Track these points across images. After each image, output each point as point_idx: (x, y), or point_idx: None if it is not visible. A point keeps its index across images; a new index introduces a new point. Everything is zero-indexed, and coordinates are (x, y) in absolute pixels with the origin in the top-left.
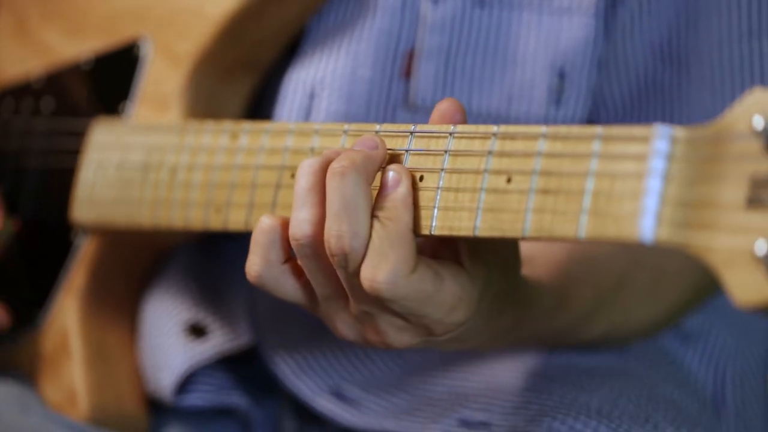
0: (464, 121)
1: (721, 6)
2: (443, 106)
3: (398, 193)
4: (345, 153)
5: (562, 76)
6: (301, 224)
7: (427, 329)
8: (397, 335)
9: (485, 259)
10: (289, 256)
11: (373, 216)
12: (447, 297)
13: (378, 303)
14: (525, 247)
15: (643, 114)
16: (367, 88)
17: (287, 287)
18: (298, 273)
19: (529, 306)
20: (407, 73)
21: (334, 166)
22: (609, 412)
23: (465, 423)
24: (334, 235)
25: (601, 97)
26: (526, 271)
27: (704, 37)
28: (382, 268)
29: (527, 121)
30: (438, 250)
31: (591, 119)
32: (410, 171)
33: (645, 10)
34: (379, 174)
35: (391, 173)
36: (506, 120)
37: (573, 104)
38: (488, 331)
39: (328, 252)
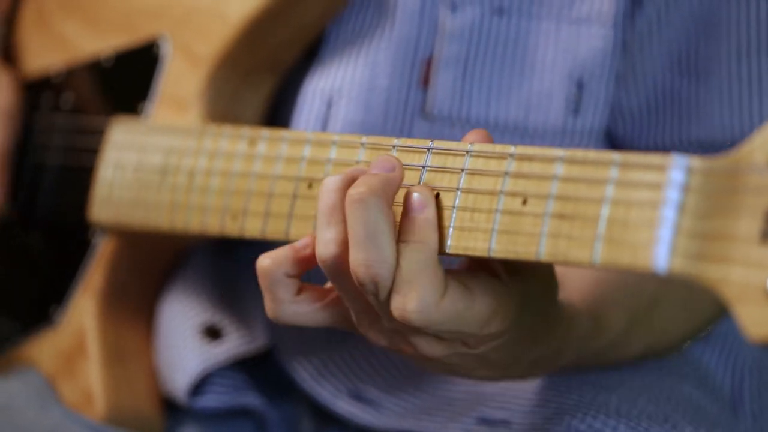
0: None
1: (740, 18)
2: (470, 138)
3: (424, 216)
4: (362, 178)
5: (580, 86)
6: (327, 245)
7: (460, 342)
8: (430, 347)
9: (522, 272)
10: (302, 287)
11: (399, 241)
12: (481, 312)
13: (410, 328)
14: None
15: (660, 125)
16: (384, 97)
17: (308, 315)
18: (315, 297)
19: (569, 333)
20: (425, 82)
21: (352, 192)
22: (628, 411)
23: (484, 421)
24: (362, 264)
25: (619, 107)
26: (561, 296)
27: (723, 48)
28: (412, 296)
29: (545, 131)
30: (471, 261)
31: (608, 129)
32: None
33: (663, 21)
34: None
35: (416, 195)
36: (524, 130)
37: (591, 114)
38: (526, 357)
39: (356, 281)
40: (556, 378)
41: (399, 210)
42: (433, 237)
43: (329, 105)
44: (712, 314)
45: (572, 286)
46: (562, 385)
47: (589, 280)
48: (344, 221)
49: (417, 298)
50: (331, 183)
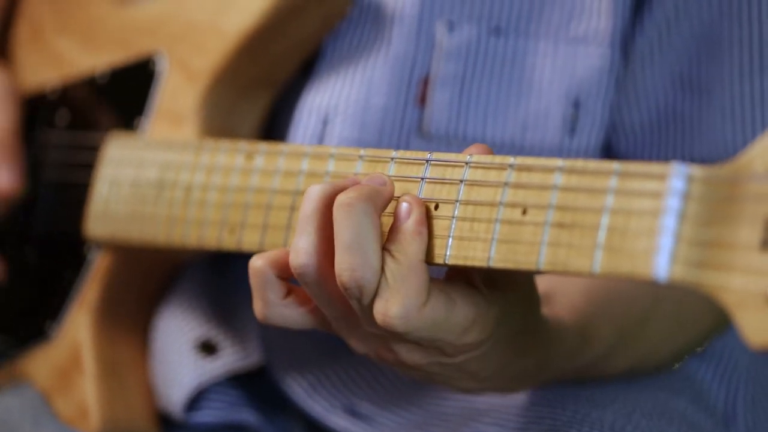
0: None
1: (743, 37)
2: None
3: (410, 224)
4: (353, 187)
5: (577, 105)
6: (298, 253)
7: (439, 350)
8: (409, 354)
9: (501, 284)
10: (290, 289)
11: (384, 249)
12: (460, 320)
13: (390, 334)
14: (542, 285)
15: (663, 142)
16: (380, 116)
17: (295, 318)
18: (303, 300)
19: (553, 348)
20: (422, 101)
21: (341, 198)
22: (622, 426)
23: None
24: (347, 268)
25: (621, 123)
26: (545, 310)
27: (725, 67)
28: (395, 302)
29: (541, 150)
30: (451, 272)
31: (610, 146)
32: (424, 201)
33: (665, 40)
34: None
35: (404, 204)
36: (520, 149)
37: (587, 134)
38: (507, 370)
39: (340, 286)
40: (549, 394)
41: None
42: (419, 245)
43: (325, 122)
44: (703, 333)
45: (561, 302)
46: (556, 400)
47: (578, 295)
48: (319, 230)
49: (400, 303)
50: (312, 192)
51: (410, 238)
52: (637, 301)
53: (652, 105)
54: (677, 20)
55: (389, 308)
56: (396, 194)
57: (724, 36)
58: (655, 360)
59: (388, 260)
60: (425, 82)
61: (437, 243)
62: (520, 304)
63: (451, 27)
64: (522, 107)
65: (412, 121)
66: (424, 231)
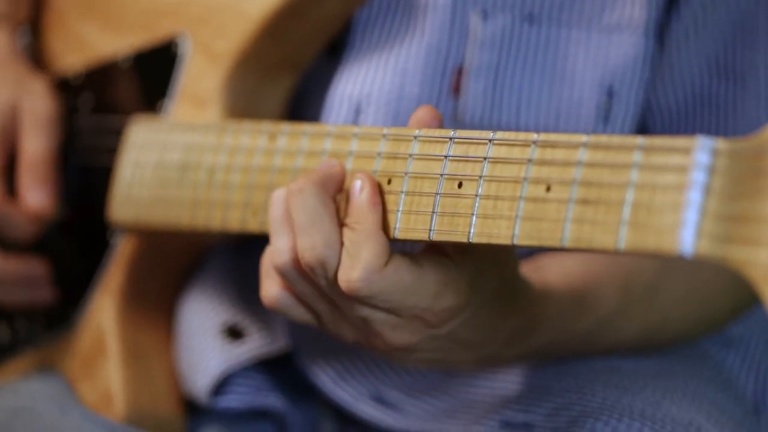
0: (440, 127)
1: None
2: (419, 114)
3: (362, 197)
4: (304, 175)
5: (610, 94)
6: (280, 253)
7: (421, 320)
8: (395, 333)
9: (472, 249)
10: None
11: (343, 224)
12: (430, 283)
13: (362, 303)
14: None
15: (697, 126)
16: (414, 105)
17: (299, 310)
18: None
19: (540, 309)
20: (456, 90)
21: (292, 186)
22: (652, 414)
23: (507, 424)
24: (307, 248)
25: (657, 105)
26: (535, 277)
27: (760, 54)
28: (355, 267)
29: None
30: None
31: (645, 128)
32: (378, 176)
33: (700, 25)
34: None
35: (357, 182)
36: None
37: (621, 122)
38: (496, 333)
39: (306, 267)
40: (579, 381)
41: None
42: (372, 215)
43: (357, 111)
44: (718, 314)
45: (553, 269)
46: (585, 387)
47: (572, 261)
48: (293, 227)
49: (360, 267)
50: (278, 193)
51: (366, 210)
52: (644, 269)
53: (687, 89)
54: (713, 6)
55: (351, 273)
56: (418, 171)
57: (760, 23)
58: (666, 334)
59: (347, 232)
60: (459, 71)
61: (461, 222)
62: (495, 268)
63: (485, 16)
64: (556, 96)
65: (446, 111)
66: (379, 202)
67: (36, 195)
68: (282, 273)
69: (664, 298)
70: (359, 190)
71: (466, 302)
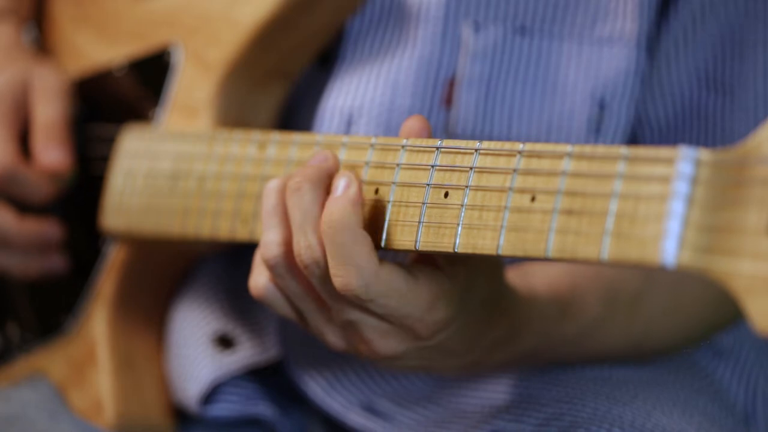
0: (429, 137)
1: (767, 38)
2: (409, 123)
3: (345, 196)
4: (298, 170)
5: (602, 106)
6: (269, 246)
7: (411, 331)
8: (383, 341)
9: (464, 260)
10: None
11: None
12: (424, 294)
13: (355, 306)
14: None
15: (686, 138)
16: (406, 117)
17: (284, 305)
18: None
19: (525, 315)
20: (447, 102)
21: (290, 184)
22: (642, 424)
23: None
24: (303, 246)
25: (646, 118)
26: (519, 282)
27: (749, 66)
28: (350, 266)
29: None
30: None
31: (633, 142)
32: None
33: (690, 39)
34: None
35: (340, 179)
36: None
37: (612, 134)
38: (482, 341)
39: (300, 265)
40: (570, 391)
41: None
42: (355, 215)
43: (349, 123)
44: (704, 324)
45: (538, 275)
46: (576, 397)
47: (558, 268)
48: (283, 221)
49: (355, 265)
50: (271, 185)
51: (346, 209)
52: (629, 278)
53: (676, 101)
54: (703, 19)
55: (347, 272)
56: (405, 181)
57: (749, 36)
58: (651, 343)
59: (327, 231)
60: (451, 83)
61: (447, 232)
62: (484, 277)
63: (477, 28)
64: (547, 108)
65: (437, 122)
66: (356, 201)
67: (51, 153)
68: (271, 267)
69: (648, 308)
70: (343, 187)
71: (457, 314)
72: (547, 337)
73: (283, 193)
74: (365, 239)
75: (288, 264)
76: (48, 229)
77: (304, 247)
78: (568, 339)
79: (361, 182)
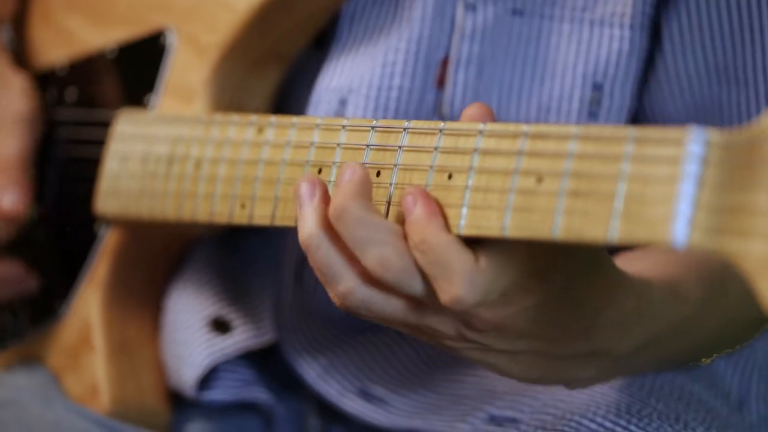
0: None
1: None
2: (470, 112)
3: (417, 212)
4: (332, 196)
5: (598, 88)
6: (345, 296)
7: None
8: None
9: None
10: None
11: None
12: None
13: (471, 315)
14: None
15: None
16: (399, 97)
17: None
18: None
19: (646, 294)
20: (440, 82)
21: (331, 212)
22: (639, 410)
23: (493, 419)
24: (378, 264)
25: (660, 113)
26: (628, 268)
27: (766, 55)
28: (452, 279)
29: None
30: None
31: None
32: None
33: (695, 25)
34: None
35: (409, 193)
36: None
37: (609, 117)
38: (601, 319)
39: (386, 284)
40: None
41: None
42: (436, 226)
43: (342, 103)
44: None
45: (633, 262)
46: None
47: (650, 255)
48: (348, 263)
49: (458, 276)
50: (308, 235)
51: (424, 225)
52: (711, 262)
53: (687, 94)
54: (709, 4)
55: (452, 288)
56: (408, 163)
57: (764, 22)
58: (734, 329)
59: (418, 255)
60: (444, 63)
61: (451, 213)
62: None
63: (471, 7)
64: (542, 90)
65: (430, 103)
66: (436, 210)
67: (7, 197)
68: (368, 309)
69: (733, 290)
70: (413, 204)
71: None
72: (665, 324)
73: (326, 231)
74: (457, 244)
75: (376, 289)
76: (7, 269)
77: (379, 264)
78: (679, 328)
79: (424, 190)
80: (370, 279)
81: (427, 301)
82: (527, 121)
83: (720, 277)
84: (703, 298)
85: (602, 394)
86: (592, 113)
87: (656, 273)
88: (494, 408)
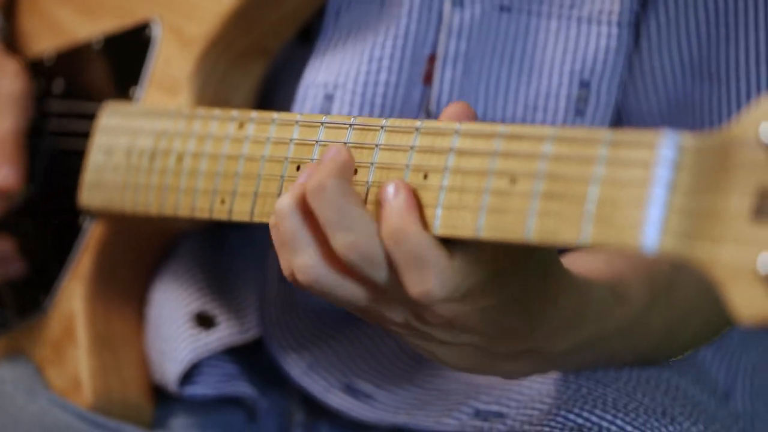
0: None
1: (759, 21)
2: (451, 110)
3: (398, 202)
4: (313, 172)
5: (585, 86)
6: (306, 272)
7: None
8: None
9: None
10: None
11: (381, 236)
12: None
13: (436, 309)
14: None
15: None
16: (385, 93)
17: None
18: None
19: (585, 296)
20: (427, 79)
21: (311, 185)
22: (625, 404)
23: (479, 414)
24: (349, 245)
25: (636, 110)
26: (572, 268)
27: (741, 53)
28: (426, 274)
29: None
30: None
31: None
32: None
33: (672, 23)
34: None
35: (389, 186)
36: None
37: (596, 115)
38: (543, 323)
39: (352, 267)
40: (551, 372)
41: None
42: (414, 218)
43: (329, 99)
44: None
45: (577, 262)
46: (558, 378)
47: (596, 256)
48: (313, 237)
49: (432, 271)
50: (283, 204)
51: (401, 216)
52: (663, 264)
53: (662, 91)
54: (685, 1)
55: (424, 282)
56: (384, 162)
57: (742, 21)
58: (689, 331)
59: (391, 244)
60: (431, 60)
61: (426, 213)
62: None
63: (458, 3)
64: (529, 87)
65: (417, 99)
66: (415, 204)
67: (2, 171)
68: (317, 290)
69: (682, 293)
70: (393, 193)
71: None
72: (604, 325)
73: (299, 206)
74: (427, 239)
75: (334, 275)
76: (1, 247)
77: (350, 245)
78: (621, 329)
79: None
80: (332, 260)
81: (387, 289)
82: (514, 119)
83: (668, 278)
84: (649, 299)
85: (588, 388)
86: (579, 111)
87: (601, 272)
88: (480, 403)
